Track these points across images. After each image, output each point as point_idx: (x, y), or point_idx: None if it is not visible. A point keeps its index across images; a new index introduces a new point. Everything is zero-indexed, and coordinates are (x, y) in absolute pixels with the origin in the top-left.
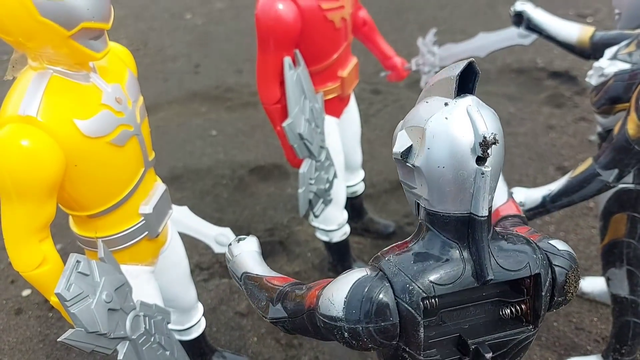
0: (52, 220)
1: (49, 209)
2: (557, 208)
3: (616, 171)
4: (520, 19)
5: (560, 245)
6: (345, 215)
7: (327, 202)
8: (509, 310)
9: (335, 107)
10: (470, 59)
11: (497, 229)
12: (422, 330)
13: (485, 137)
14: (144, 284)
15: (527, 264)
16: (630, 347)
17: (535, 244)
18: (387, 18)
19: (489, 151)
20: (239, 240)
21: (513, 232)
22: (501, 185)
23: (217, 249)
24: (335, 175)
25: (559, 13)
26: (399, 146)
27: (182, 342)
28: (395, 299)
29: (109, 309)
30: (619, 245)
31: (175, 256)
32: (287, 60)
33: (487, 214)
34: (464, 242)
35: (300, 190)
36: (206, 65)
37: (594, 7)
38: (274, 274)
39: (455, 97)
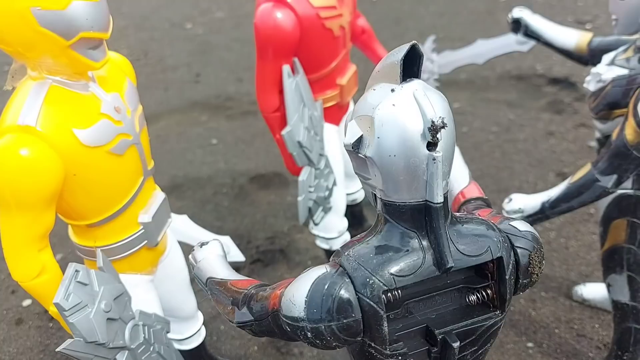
0: (52, 230)
1: (48, 219)
2: (557, 214)
3: (615, 177)
4: (518, 25)
5: (521, 226)
6: (345, 222)
7: (326, 210)
8: (474, 297)
9: (334, 114)
10: (412, 42)
11: (457, 213)
12: (385, 324)
13: (433, 122)
14: (143, 293)
15: (487, 248)
16: (632, 353)
17: (496, 226)
18: (387, 26)
19: (438, 136)
20: (202, 245)
21: (473, 216)
22: (462, 169)
23: None
24: (334, 183)
25: (557, 19)
26: (350, 137)
27: (181, 352)
28: (357, 294)
29: (108, 319)
30: (619, 251)
31: (174, 265)
32: (286, 68)
33: (442, 200)
34: (422, 230)
35: (299, 198)
36: (207, 74)
37: (592, 13)
38: (238, 277)
39: (401, 82)
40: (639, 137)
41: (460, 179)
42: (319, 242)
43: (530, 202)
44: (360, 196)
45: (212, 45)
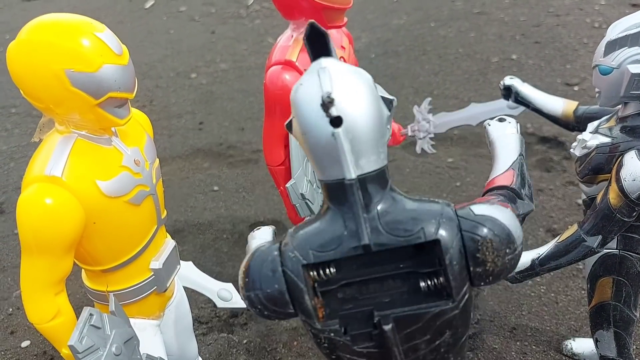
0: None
1: (66, 264)
2: (546, 271)
3: (600, 237)
4: (509, 92)
5: (480, 209)
6: None
7: None
8: (423, 283)
9: None
10: (310, 21)
11: (402, 192)
12: (307, 297)
13: (322, 98)
14: (151, 337)
15: (420, 229)
16: None
17: (450, 209)
18: (384, 82)
19: (332, 111)
20: (255, 230)
21: (422, 197)
22: (507, 155)
23: (220, 304)
24: None
25: (546, 81)
26: (287, 120)
27: None
28: (282, 267)
29: None
30: (606, 308)
31: (180, 310)
32: None
33: (354, 177)
34: (343, 207)
35: None
36: (210, 122)
37: (580, 76)
38: None
39: (312, 62)
40: (621, 201)
41: (499, 165)
42: None
43: (521, 259)
44: None
45: (216, 95)
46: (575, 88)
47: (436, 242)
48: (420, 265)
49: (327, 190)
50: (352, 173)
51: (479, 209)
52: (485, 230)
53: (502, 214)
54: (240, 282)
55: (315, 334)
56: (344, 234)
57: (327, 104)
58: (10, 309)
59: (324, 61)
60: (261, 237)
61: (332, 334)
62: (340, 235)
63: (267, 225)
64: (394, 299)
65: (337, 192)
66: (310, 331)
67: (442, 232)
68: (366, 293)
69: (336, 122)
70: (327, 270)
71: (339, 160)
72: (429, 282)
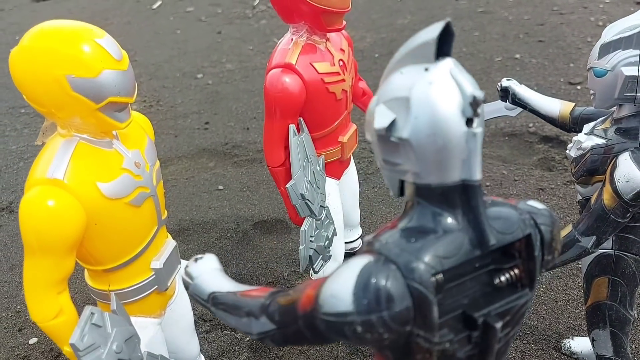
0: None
1: (68, 264)
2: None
3: (594, 238)
4: (506, 93)
5: (538, 204)
6: None
7: (326, 259)
8: (505, 277)
9: (335, 169)
10: (447, 19)
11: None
12: (435, 309)
13: (475, 97)
14: (152, 336)
15: (518, 226)
16: None
17: (516, 206)
18: None
19: (479, 110)
20: (197, 260)
21: (492, 198)
22: None
23: None
24: (334, 233)
25: (550, 80)
26: (382, 121)
27: None
28: (405, 281)
29: (119, 359)
30: (602, 308)
31: (181, 309)
32: (292, 127)
33: (480, 178)
34: (458, 210)
35: (301, 247)
36: (215, 122)
37: (583, 75)
38: (246, 287)
39: (435, 61)
40: (615, 202)
41: None
42: None
43: None
44: (358, 245)
45: (221, 95)
46: (578, 87)
47: (523, 237)
48: (500, 262)
49: (437, 193)
50: (478, 174)
51: (534, 203)
52: (551, 220)
53: (545, 205)
54: (345, 308)
55: (427, 349)
56: (464, 238)
57: (480, 103)
58: (19, 307)
59: (451, 61)
60: (205, 267)
61: (447, 345)
62: (460, 238)
63: (271, 223)
64: (473, 298)
65: (451, 194)
66: (419, 347)
67: (530, 228)
68: (448, 296)
69: (472, 121)
70: (439, 277)
71: (468, 161)
72: (508, 276)
